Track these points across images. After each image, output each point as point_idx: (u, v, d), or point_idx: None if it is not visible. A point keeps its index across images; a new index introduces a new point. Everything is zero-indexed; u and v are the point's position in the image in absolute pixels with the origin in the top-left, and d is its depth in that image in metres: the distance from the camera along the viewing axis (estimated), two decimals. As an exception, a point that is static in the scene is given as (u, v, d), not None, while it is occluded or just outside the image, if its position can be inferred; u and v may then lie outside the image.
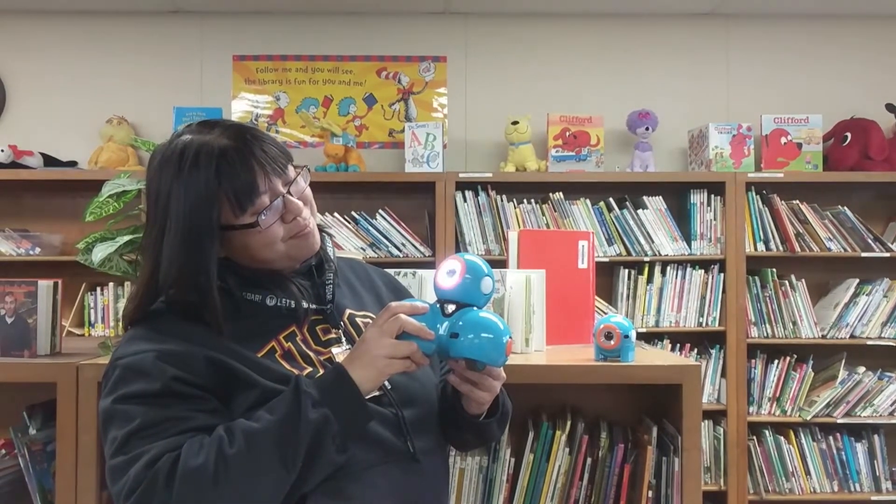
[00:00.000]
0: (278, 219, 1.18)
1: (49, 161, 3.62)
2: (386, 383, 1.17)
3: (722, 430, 3.43)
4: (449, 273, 1.13)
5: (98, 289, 3.52)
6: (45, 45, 3.84)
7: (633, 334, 1.60)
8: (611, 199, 3.55)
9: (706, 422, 3.47)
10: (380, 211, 3.51)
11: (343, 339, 1.25)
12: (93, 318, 3.51)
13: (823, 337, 3.51)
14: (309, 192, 1.24)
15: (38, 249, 3.46)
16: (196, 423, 1.07)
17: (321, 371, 1.17)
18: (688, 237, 3.52)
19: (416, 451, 1.18)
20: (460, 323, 1.09)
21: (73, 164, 3.67)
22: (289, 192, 1.18)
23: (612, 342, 1.58)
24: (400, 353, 1.10)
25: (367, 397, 1.11)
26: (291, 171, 1.21)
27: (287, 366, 1.16)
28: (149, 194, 1.19)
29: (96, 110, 3.74)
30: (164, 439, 1.04)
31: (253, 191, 1.14)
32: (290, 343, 1.19)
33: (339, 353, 1.22)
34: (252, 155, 1.15)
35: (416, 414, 1.21)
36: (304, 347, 1.20)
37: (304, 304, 1.21)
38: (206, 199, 1.12)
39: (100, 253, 1.58)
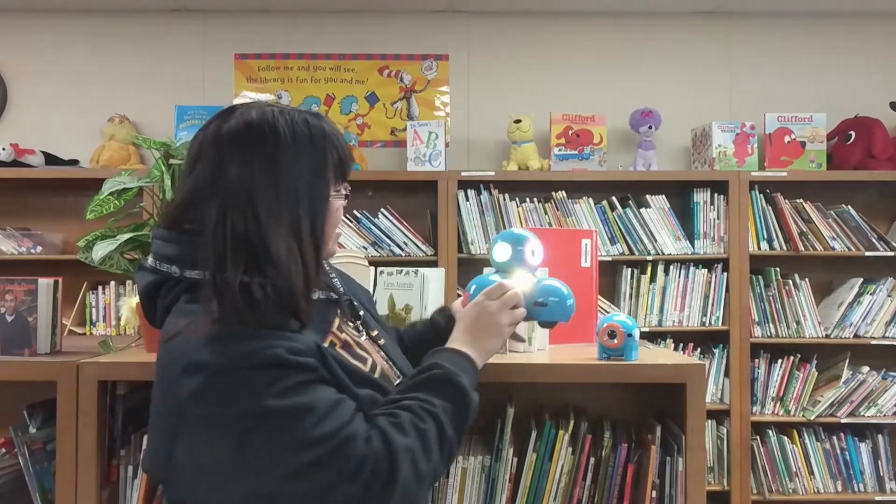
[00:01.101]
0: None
1: (51, 160, 3.62)
2: (397, 370, 1.25)
3: (725, 429, 3.42)
4: (501, 250, 1.36)
5: (99, 288, 3.52)
6: (47, 44, 3.83)
7: (636, 333, 1.59)
8: (613, 198, 3.54)
9: (709, 421, 3.46)
10: (382, 210, 3.50)
11: (371, 325, 1.31)
12: (94, 317, 3.51)
13: (827, 336, 3.49)
14: None
15: (39, 248, 3.45)
16: (352, 404, 1.07)
17: (377, 360, 1.23)
18: (691, 236, 3.51)
19: None
20: (544, 294, 1.32)
21: (74, 162, 3.66)
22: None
23: (616, 341, 1.57)
24: (518, 321, 1.28)
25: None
26: None
27: (349, 357, 1.17)
28: (231, 175, 1.11)
29: (98, 109, 3.73)
30: (345, 421, 1.03)
31: (349, 161, 1.20)
32: (343, 334, 1.21)
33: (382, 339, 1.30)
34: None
35: None
36: (353, 337, 1.24)
37: (346, 296, 1.26)
38: (324, 163, 1.15)
39: (100, 251, 1.58)
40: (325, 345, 1.13)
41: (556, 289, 1.33)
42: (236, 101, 3.77)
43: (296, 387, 1.02)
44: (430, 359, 1.19)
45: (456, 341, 1.24)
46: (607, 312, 3.48)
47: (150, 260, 1.17)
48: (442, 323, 1.46)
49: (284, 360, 1.02)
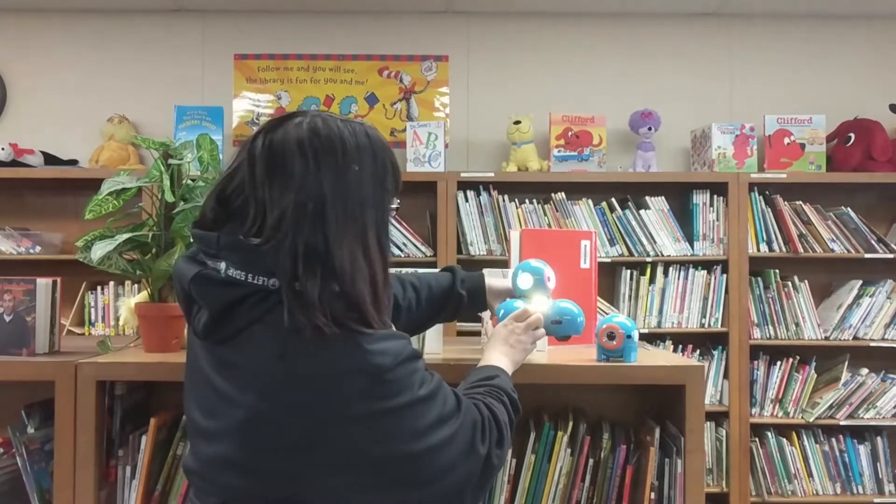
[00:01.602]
0: None
1: (50, 159, 3.62)
2: None
3: (724, 431, 3.42)
4: (524, 279, 1.59)
5: (98, 288, 3.51)
6: (47, 44, 3.83)
7: (635, 334, 1.59)
8: (613, 200, 3.54)
9: (708, 423, 3.45)
10: (381, 210, 3.49)
11: None
12: (93, 317, 3.51)
13: (826, 338, 3.49)
14: None
15: (38, 248, 3.45)
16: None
17: None
18: (690, 238, 3.51)
19: None
20: (559, 314, 1.54)
21: (73, 162, 3.66)
22: None
23: (615, 342, 1.58)
24: (538, 340, 1.50)
25: None
26: None
27: None
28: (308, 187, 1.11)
29: (97, 109, 3.73)
30: (460, 399, 1.19)
31: (400, 174, 1.26)
32: None
33: None
34: None
35: None
36: None
37: None
38: (384, 173, 1.20)
39: (99, 251, 1.58)
40: None
41: (569, 309, 1.54)
42: (235, 102, 3.79)
43: (426, 373, 1.16)
44: (488, 370, 1.37)
45: (491, 358, 1.41)
46: (606, 314, 3.48)
47: (231, 270, 1.12)
48: (466, 300, 1.62)
49: (418, 353, 1.17)
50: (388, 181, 1.20)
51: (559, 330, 1.55)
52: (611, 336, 1.58)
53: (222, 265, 1.13)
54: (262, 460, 1.11)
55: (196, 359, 1.20)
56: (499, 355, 1.42)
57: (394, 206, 1.25)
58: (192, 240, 1.22)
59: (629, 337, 1.58)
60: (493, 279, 1.66)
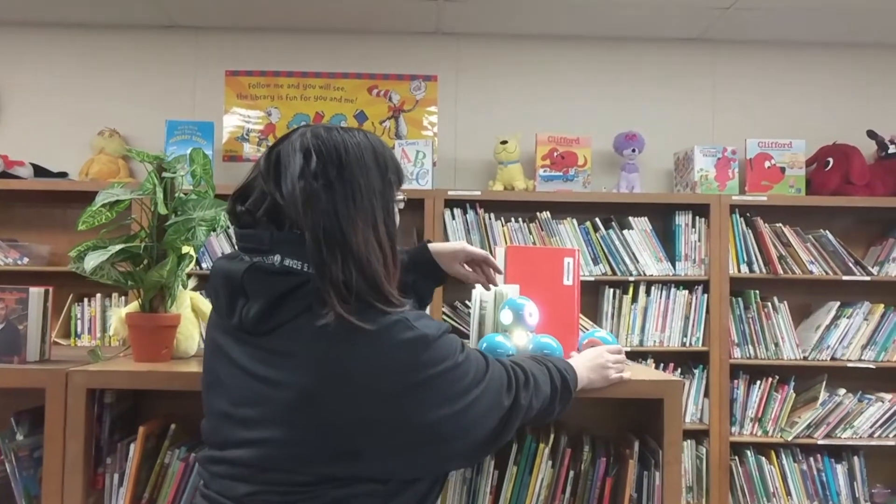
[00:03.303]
0: None
1: (40, 171, 3.63)
2: None
3: (704, 449, 3.46)
4: (505, 315, 1.68)
5: (85, 300, 3.52)
6: (39, 57, 3.86)
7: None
8: (597, 219, 3.59)
9: (689, 441, 3.49)
10: (369, 227, 3.52)
11: None
12: (79, 329, 3.52)
13: (805, 358, 3.55)
14: None
15: (26, 259, 3.46)
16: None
17: None
18: (672, 258, 3.57)
19: None
20: (538, 348, 1.61)
21: (63, 175, 3.68)
22: None
23: None
24: (615, 377, 1.59)
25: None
26: None
27: None
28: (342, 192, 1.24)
29: (88, 122, 3.76)
30: (487, 357, 1.31)
31: (401, 168, 1.38)
32: None
33: None
34: None
35: None
36: None
37: None
38: (387, 170, 1.31)
39: (92, 261, 1.60)
40: None
41: (548, 343, 1.60)
42: (226, 117, 3.83)
43: (460, 342, 1.28)
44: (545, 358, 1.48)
45: (573, 361, 1.53)
46: (588, 330, 3.52)
47: (287, 260, 1.23)
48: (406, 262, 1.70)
49: (451, 328, 1.28)
50: (389, 173, 1.31)
51: None
52: None
53: (277, 257, 1.23)
54: (313, 438, 1.19)
55: (224, 357, 1.28)
56: (578, 364, 1.53)
57: (399, 197, 1.37)
58: (235, 241, 1.32)
59: None
60: (437, 244, 1.81)
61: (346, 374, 1.17)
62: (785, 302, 3.57)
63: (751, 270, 3.55)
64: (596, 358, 1.57)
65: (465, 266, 1.79)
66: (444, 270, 1.78)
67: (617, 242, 3.55)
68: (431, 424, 1.20)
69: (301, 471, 1.21)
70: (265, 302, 1.21)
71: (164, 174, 1.69)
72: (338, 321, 1.16)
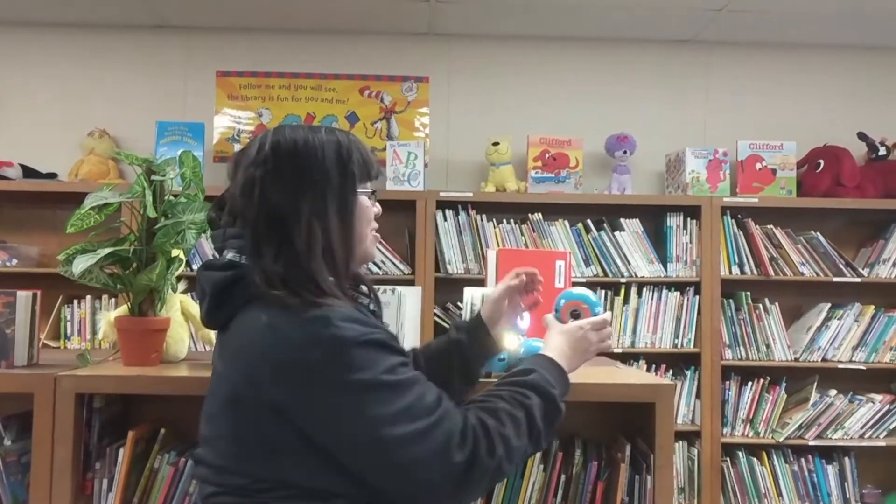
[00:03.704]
0: (376, 208, 1.37)
1: (28, 172, 3.61)
2: None
3: (696, 450, 3.46)
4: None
5: (75, 301, 3.50)
6: (28, 57, 3.84)
7: (600, 311, 1.46)
8: (589, 221, 3.59)
9: (680, 443, 3.50)
10: (360, 228, 3.51)
11: None
12: (69, 331, 3.50)
13: (796, 360, 3.56)
14: None
15: (15, 261, 3.43)
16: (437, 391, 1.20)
17: None
18: (664, 259, 3.57)
19: None
20: (530, 352, 1.50)
21: (52, 175, 3.65)
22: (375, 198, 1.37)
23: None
24: (602, 351, 1.44)
25: None
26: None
27: None
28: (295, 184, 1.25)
29: (78, 122, 3.74)
30: (441, 402, 1.18)
31: (373, 166, 1.33)
32: None
33: None
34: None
35: None
36: None
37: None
38: (349, 161, 1.28)
39: (80, 265, 1.59)
40: None
41: (538, 347, 1.51)
42: (217, 118, 3.81)
43: (400, 366, 1.17)
44: (528, 364, 1.34)
45: (553, 351, 1.39)
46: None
47: (230, 254, 1.25)
48: (466, 340, 1.50)
49: (389, 344, 1.18)
50: (352, 165, 1.28)
51: None
52: (576, 315, 1.45)
53: (227, 253, 1.26)
54: (244, 435, 1.18)
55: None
56: (561, 355, 1.38)
57: (367, 189, 1.33)
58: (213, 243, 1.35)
59: (596, 315, 1.45)
60: (477, 296, 1.64)
61: (263, 367, 1.15)
62: (776, 303, 3.57)
63: (742, 272, 3.56)
64: (578, 344, 1.40)
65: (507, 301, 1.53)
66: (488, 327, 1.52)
67: (608, 244, 3.55)
68: (343, 438, 1.14)
69: (246, 472, 1.17)
70: (210, 297, 1.24)
71: (154, 177, 1.69)
72: (265, 313, 1.16)
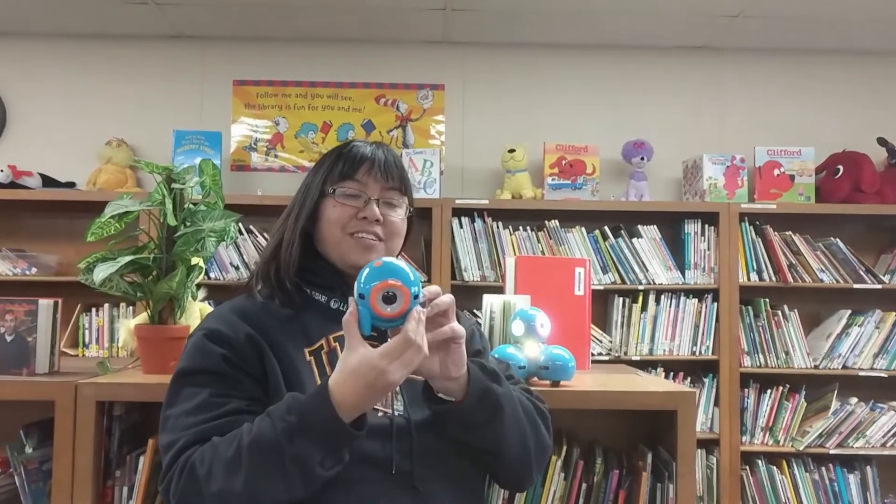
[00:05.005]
0: (352, 209, 1.33)
1: (48, 182, 3.64)
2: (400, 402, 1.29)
3: (715, 459, 3.43)
4: (517, 326, 1.65)
5: (93, 310, 3.52)
6: (48, 67, 3.87)
7: (418, 291, 1.08)
8: (606, 228, 3.58)
9: (699, 451, 3.46)
10: (376, 236, 3.51)
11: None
12: (87, 339, 3.51)
13: (816, 367, 3.52)
14: (399, 224, 1.40)
15: (34, 269, 3.46)
16: (230, 408, 1.18)
17: None
18: (682, 266, 3.55)
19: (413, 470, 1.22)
20: (549, 360, 1.59)
21: (71, 185, 3.68)
22: (376, 202, 1.34)
23: (396, 308, 1.07)
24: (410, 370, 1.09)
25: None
26: (397, 196, 1.39)
27: (328, 366, 1.27)
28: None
29: (96, 132, 3.77)
30: (195, 426, 1.16)
31: (349, 172, 1.34)
32: (336, 343, 1.30)
33: None
34: (369, 155, 1.35)
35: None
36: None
37: None
38: (321, 165, 1.38)
39: (101, 273, 1.59)
40: (314, 347, 1.28)
41: (559, 355, 1.59)
42: (234, 127, 3.83)
43: (194, 372, 1.23)
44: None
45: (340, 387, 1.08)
46: (600, 341, 3.51)
47: None
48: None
49: (199, 343, 1.25)
50: (326, 161, 1.37)
51: (548, 375, 1.60)
52: (389, 299, 1.06)
53: None
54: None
55: None
56: (345, 383, 1.07)
57: (335, 186, 1.34)
58: None
59: (416, 297, 1.07)
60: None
61: None
62: (795, 310, 3.54)
63: (760, 279, 3.53)
64: (363, 378, 1.05)
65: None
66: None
67: (626, 251, 3.53)
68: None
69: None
70: None
71: (174, 185, 1.69)
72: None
